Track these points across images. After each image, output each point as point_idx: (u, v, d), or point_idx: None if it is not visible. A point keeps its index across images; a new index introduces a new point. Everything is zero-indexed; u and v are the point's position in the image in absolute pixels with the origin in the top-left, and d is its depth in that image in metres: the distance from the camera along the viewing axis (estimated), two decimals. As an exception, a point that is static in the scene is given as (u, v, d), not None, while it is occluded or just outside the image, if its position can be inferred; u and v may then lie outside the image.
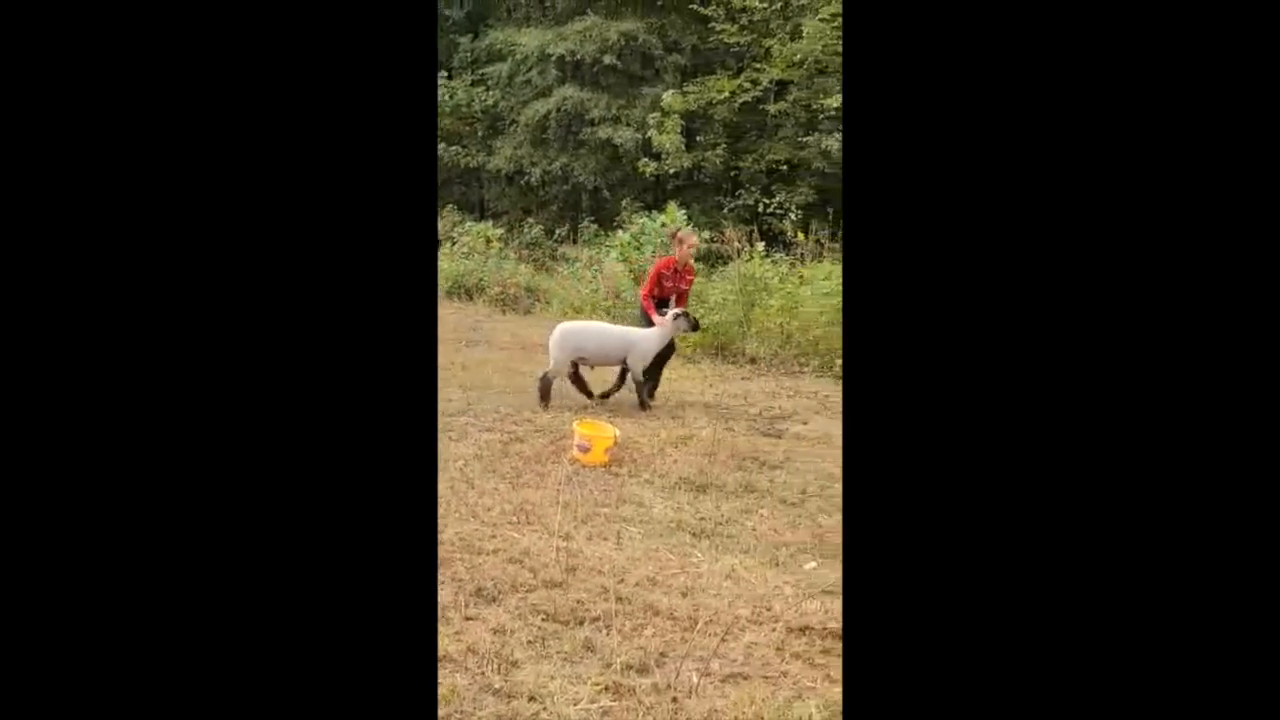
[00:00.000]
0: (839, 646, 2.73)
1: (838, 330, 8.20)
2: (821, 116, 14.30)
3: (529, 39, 17.51)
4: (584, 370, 6.54)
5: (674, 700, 2.40)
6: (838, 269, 9.00)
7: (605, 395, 6.56)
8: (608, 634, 2.78)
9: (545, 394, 6.29)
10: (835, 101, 13.37)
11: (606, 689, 2.44)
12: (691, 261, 6.83)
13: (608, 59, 16.37)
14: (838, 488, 4.49)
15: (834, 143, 13.74)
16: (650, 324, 6.53)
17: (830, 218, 13.84)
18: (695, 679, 2.51)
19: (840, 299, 8.08)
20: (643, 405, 6.40)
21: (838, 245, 10.19)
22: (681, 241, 6.73)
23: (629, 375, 6.48)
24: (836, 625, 2.89)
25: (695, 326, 6.60)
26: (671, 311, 6.48)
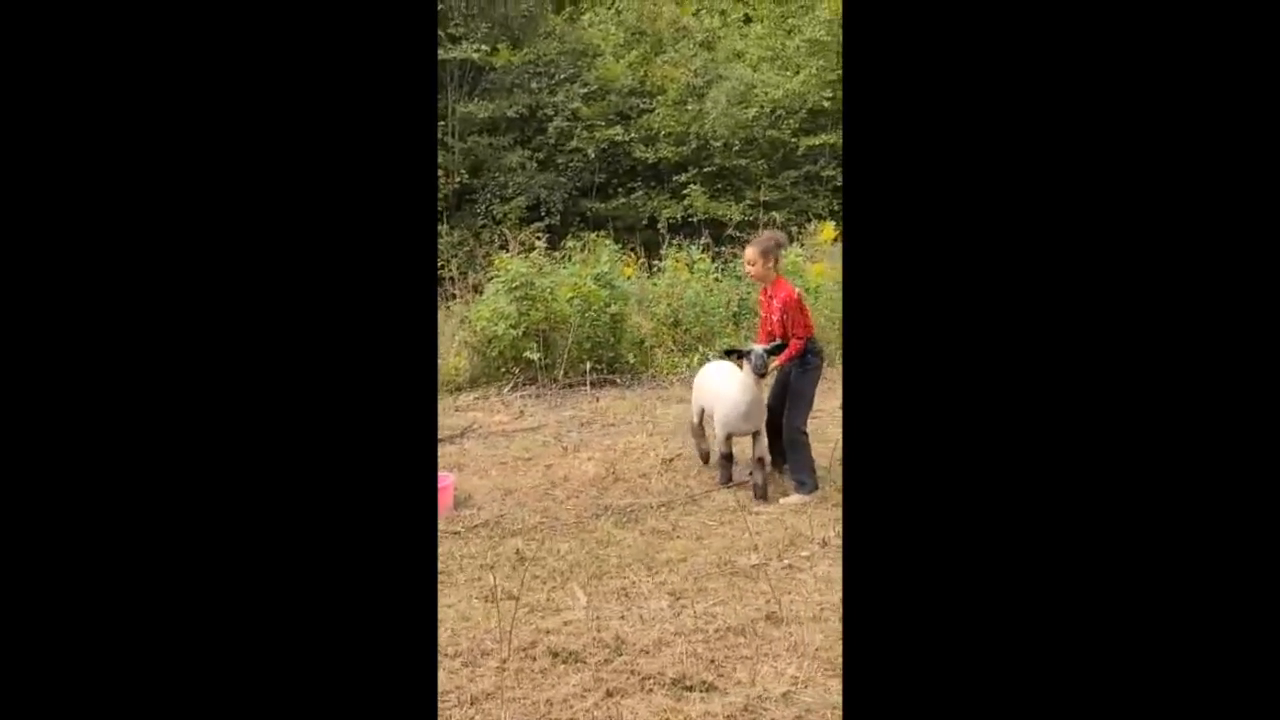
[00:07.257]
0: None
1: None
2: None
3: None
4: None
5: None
6: None
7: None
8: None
9: (698, 436, 5.13)
10: None
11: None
12: (775, 276, 4.81)
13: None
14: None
15: None
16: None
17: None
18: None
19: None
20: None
21: None
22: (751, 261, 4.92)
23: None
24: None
25: (761, 357, 4.52)
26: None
